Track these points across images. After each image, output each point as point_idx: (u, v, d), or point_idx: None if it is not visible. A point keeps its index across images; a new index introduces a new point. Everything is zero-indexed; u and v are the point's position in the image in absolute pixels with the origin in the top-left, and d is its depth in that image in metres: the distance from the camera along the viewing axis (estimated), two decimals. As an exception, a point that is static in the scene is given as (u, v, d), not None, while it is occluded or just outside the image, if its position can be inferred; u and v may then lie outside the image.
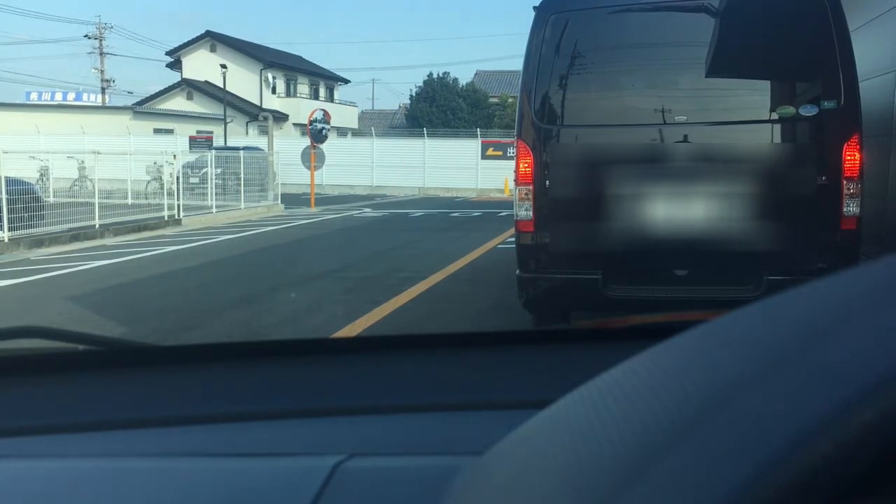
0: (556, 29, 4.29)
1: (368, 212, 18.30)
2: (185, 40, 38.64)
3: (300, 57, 42.56)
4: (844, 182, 4.03)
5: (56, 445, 0.88)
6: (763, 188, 4.08)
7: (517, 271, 4.47)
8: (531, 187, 4.26)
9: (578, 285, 4.29)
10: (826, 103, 4.06)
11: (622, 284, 4.27)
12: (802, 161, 4.14)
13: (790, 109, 4.16)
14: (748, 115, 4.21)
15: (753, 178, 4.09)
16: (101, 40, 41.79)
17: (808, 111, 4.10)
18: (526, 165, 4.30)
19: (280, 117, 34.33)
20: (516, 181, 4.38)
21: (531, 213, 4.27)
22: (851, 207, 4.05)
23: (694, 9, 4.24)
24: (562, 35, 4.30)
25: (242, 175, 17.27)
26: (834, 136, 4.06)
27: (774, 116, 4.19)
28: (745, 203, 4.08)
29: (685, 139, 4.18)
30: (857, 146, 4.03)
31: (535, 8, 4.39)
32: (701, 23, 4.24)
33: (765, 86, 4.33)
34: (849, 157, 4.02)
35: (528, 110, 4.36)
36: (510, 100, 39.58)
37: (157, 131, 30.64)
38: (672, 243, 4.13)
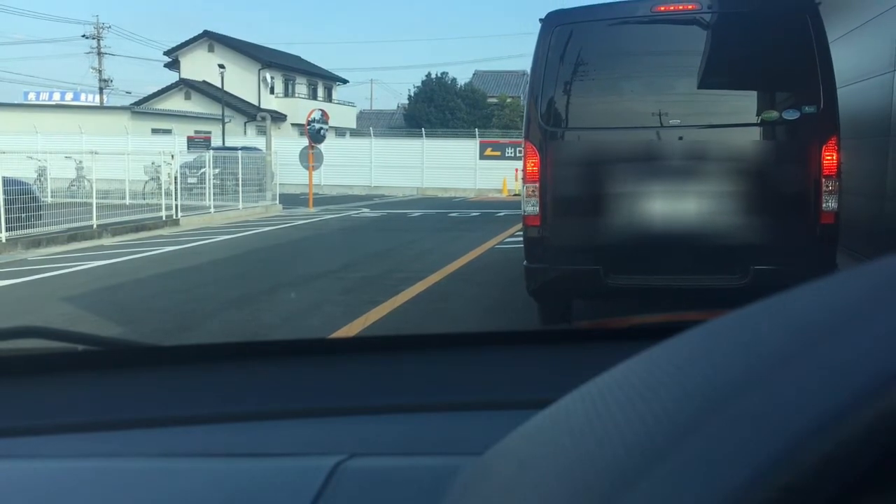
0: (561, 39, 4.64)
1: (367, 212, 18.30)
2: (183, 40, 38.66)
3: (298, 57, 42.54)
4: (823, 180, 4.36)
5: (56, 445, 0.88)
6: (749, 186, 4.41)
7: (524, 262, 4.80)
8: (538, 185, 4.60)
9: (581, 275, 4.63)
10: (807, 108, 4.40)
11: (622, 274, 4.57)
12: (785, 161, 4.48)
13: (774, 114, 4.48)
14: (736, 118, 4.54)
15: (741, 176, 4.42)
16: (98, 40, 41.76)
17: (790, 115, 4.43)
18: (533, 165, 4.63)
19: (278, 117, 34.31)
20: (524, 179, 4.72)
21: (538, 209, 4.60)
22: (830, 203, 4.37)
23: (686, 21, 4.60)
24: (566, 45, 4.65)
25: (240, 175, 17.26)
26: (814, 138, 4.39)
27: (760, 120, 4.52)
28: (733, 199, 4.41)
29: (679, 140, 4.50)
30: (835, 147, 4.36)
31: (541, 20, 4.73)
32: (693, 34, 4.64)
33: (751, 92, 4.67)
34: (827, 157, 4.36)
35: (535, 114, 4.69)
36: (508, 100, 39.59)
37: (154, 131, 30.59)
38: (667, 236, 4.45)
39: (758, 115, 4.54)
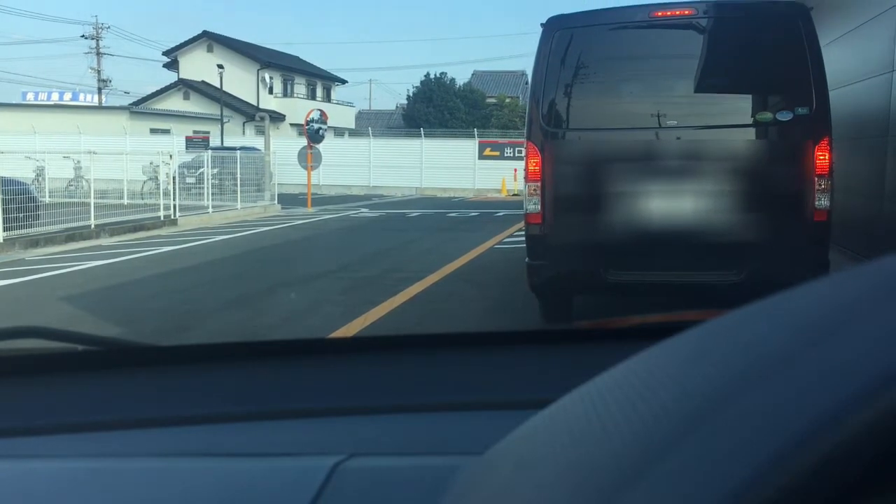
0: (562, 43, 4.81)
1: (365, 212, 18.29)
2: (182, 40, 38.60)
3: (297, 57, 42.51)
4: (816, 179, 4.52)
5: (56, 446, 0.88)
6: (744, 185, 4.56)
7: (526, 259, 4.95)
8: (539, 184, 4.77)
9: (582, 271, 4.81)
10: (800, 110, 4.56)
11: (620, 270, 4.72)
12: (779, 160, 4.65)
13: (768, 115, 4.66)
14: (732, 119, 4.71)
15: (736, 175, 4.57)
16: (97, 40, 41.73)
17: (783, 116, 4.60)
18: (535, 164, 4.79)
19: (277, 117, 34.28)
20: (526, 178, 4.88)
21: (539, 207, 4.77)
22: (823, 201, 4.52)
23: (683, 26, 4.79)
24: (566, 49, 4.82)
25: (239, 175, 17.25)
26: (807, 138, 4.56)
27: (754, 121, 4.71)
28: (728, 198, 4.57)
29: (676, 141, 4.65)
30: (828, 147, 4.52)
31: (542, 25, 4.90)
32: (690, 38, 4.81)
33: (746, 94, 4.86)
34: (820, 157, 4.52)
35: (537, 115, 4.84)
36: (507, 100, 39.59)
37: (153, 131, 30.56)
38: (665, 234, 4.59)
39: (752, 116, 4.72)
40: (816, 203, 4.50)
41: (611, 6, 5.01)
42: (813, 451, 0.31)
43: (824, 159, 4.50)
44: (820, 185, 4.50)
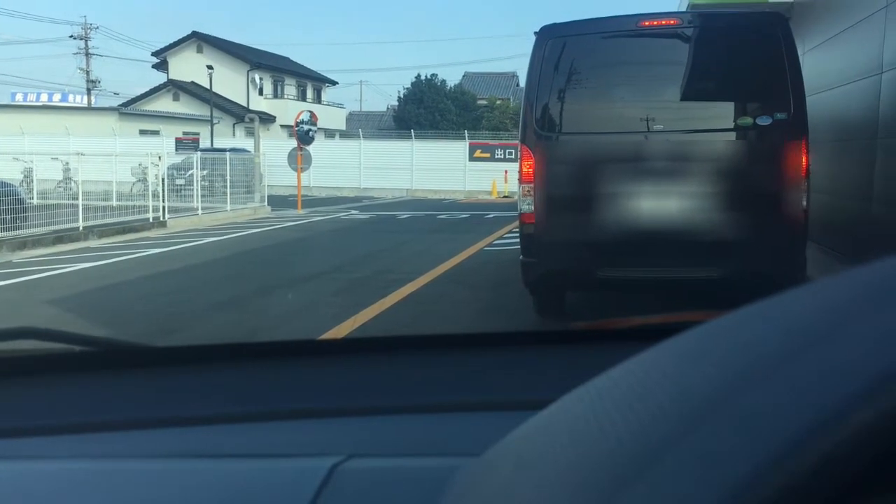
0: (554, 51, 5.02)
1: (356, 213, 18.25)
2: (172, 41, 38.42)
3: (287, 58, 42.38)
4: (794, 180, 4.75)
5: (55, 446, 0.88)
6: (726, 185, 4.79)
7: (521, 257, 5.19)
8: (532, 185, 4.97)
9: (573, 268, 5.02)
10: (778, 115, 4.80)
11: (609, 267, 4.93)
12: (759, 162, 4.89)
13: (748, 120, 4.91)
14: (714, 124, 4.95)
15: (719, 177, 4.81)
16: (86, 41, 41.48)
17: (763, 121, 4.84)
18: (528, 167, 5.00)
19: (267, 119, 34.17)
20: (520, 180, 5.10)
21: (533, 207, 4.97)
22: (801, 201, 4.73)
23: (669, 35, 5.06)
24: (559, 56, 5.03)
25: (229, 177, 17.16)
26: (785, 141, 4.80)
27: (735, 125, 4.93)
28: (711, 198, 4.79)
29: (662, 144, 4.87)
30: (805, 150, 4.75)
31: (535, 33, 5.10)
32: (675, 47, 5.08)
33: (728, 100, 5.08)
34: (798, 159, 4.75)
35: (531, 119, 5.06)
36: (498, 102, 39.60)
37: (142, 132, 30.39)
38: (652, 232, 4.79)
39: (734, 121, 4.94)
40: (794, 203, 4.70)
41: (602, 16, 5.23)
42: (813, 451, 0.31)
43: (801, 161, 4.71)
44: (797, 185, 4.70)
